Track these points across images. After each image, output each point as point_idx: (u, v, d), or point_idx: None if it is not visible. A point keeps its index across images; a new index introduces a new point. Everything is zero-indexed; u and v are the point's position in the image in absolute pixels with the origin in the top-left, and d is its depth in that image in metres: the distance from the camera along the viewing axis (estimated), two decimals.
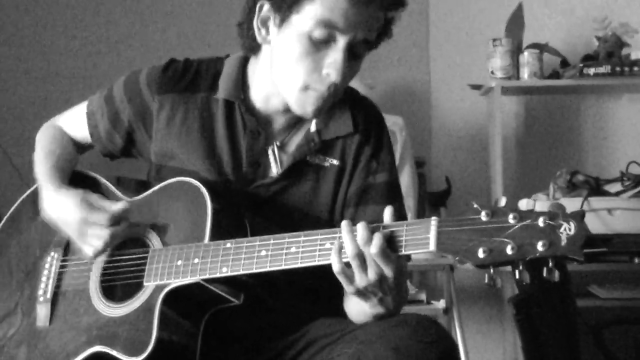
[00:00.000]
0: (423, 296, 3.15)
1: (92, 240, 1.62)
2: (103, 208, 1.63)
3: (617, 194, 3.35)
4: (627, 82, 3.48)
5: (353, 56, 1.56)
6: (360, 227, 1.40)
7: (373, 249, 1.38)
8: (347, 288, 1.44)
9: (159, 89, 1.71)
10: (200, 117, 1.69)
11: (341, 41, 1.52)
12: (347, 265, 1.42)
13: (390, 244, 1.39)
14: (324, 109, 1.61)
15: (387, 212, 1.43)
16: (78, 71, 3.70)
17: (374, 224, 1.41)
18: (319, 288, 1.62)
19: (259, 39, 1.61)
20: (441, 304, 3.11)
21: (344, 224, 1.42)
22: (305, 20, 1.52)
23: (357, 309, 1.54)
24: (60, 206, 1.67)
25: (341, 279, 1.43)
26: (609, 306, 3.28)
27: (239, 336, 1.63)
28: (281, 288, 1.59)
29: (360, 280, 1.42)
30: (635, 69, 3.42)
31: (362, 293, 1.45)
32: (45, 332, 1.67)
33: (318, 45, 1.54)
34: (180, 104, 1.70)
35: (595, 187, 3.33)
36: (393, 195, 1.68)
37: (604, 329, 2.98)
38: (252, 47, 1.65)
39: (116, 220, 1.62)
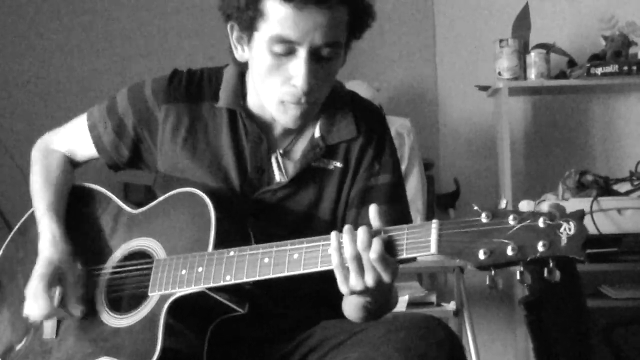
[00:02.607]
0: (433, 298, 3.14)
1: (37, 305, 1.63)
2: (73, 282, 1.65)
3: (627, 193, 3.34)
4: (635, 81, 3.47)
5: (321, 59, 1.57)
6: (361, 231, 1.40)
7: (372, 254, 1.38)
8: (342, 287, 1.44)
9: (165, 99, 1.72)
10: (205, 126, 1.70)
11: (300, 51, 1.54)
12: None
13: (390, 248, 1.39)
14: (308, 115, 1.63)
15: (372, 211, 1.43)
16: (80, 72, 3.71)
17: (375, 229, 1.41)
18: (322, 294, 1.62)
19: (237, 57, 1.65)
20: (451, 305, 3.10)
21: (346, 228, 1.42)
22: (263, 37, 1.56)
23: (350, 300, 1.56)
24: (44, 250, 1.68)
25: (338, 273, 1.43)
26: (620, 306, 3.27)
27: (244, 344, 1.64)
28: (285, 295, 1.60)
29: (356, 284, 1.42)
30: None
31: (355, 294, 1.45)
32: (52, 344, 1.68)
33: (282, 59, 1.56)
34: (186, 114, 1.71)
35: (605, 187, 3.32)
36: (395, 196, 1.69)
37: (615, 329, 2.97)
38: (239, 63, 1.68)
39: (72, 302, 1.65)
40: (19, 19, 3.73)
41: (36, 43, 3.73)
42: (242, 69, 1.70)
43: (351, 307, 1.59)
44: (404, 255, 1.38)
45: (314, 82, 1.57)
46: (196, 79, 1.74)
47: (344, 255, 1.41)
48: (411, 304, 3.05)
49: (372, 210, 1.43)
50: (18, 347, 1.71)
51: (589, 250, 3.33)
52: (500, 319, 3.71)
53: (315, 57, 1.55)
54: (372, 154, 1.69)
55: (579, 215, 1.28)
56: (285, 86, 1.57)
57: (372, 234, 1.40)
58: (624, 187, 3.37)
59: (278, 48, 1.54)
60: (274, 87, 1.58)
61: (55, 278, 1.65)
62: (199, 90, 1.72)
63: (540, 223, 1.28)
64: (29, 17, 3.74)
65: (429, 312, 3.12)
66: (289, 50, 1.54)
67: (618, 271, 3.36)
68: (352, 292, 1.44)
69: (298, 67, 1.55)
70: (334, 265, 1.42)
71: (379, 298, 1.51)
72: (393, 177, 1.70)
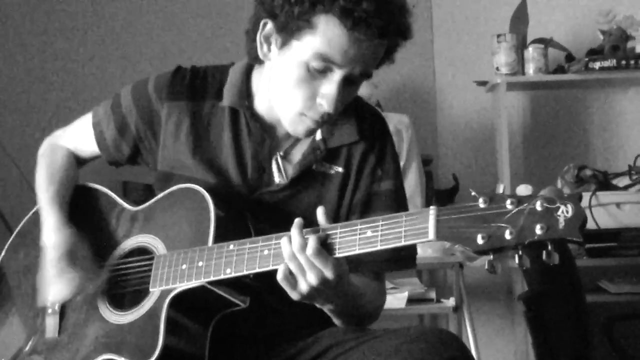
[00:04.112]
0: (433, 294, 3.14)
1: (53, 290, 1.64)
2: (84, 265, 1.65)
3: (626, 187, 3.34)
4: (633, 76, 3.47)
5: (350, 85, 1.57)
6: (294, 232, 1.44)
7: (309, 251, 1.41)
8: (292, 294, 1.47)
9: (167, 95, 1.71)
10: (207, 125, 1.70)
11: (337, 74, 1.53)
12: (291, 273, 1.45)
13: (325, 245, 1.43)
14: (316, 130, 1.64)
15: (320, 212, 1.46)
16: (82, 74, 3.71)
17: (312, 228, 1.45)
18: None
19: (260, 54, 1.61)
20: (451, 302, 3.10)
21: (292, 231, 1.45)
22: (304, 49, 1.53)
23: None
24: (50, 241, 1.68)
25: (284, 285, 1.46)
26: (619, 301, 3.27)
27: (247, 341, 1.63)
28: (286, 293, 1.59)
29: (302, 284, 1.44)
30: None
31: (306, 298, 1.47)
32: (55, 343, 1.68)
33: (315, 75, 1.54)
34: (188, 111, 1.70)
35: (604, 182, 3.33)
36: (397, 202, 1.69)
37: (614, 324, 2.97)
38: (256, 57, 1.65)
39: (83, 286, 1.64)
40: (18, 21, 3.73)
41: (36, 44, 3.73)
42: (252, 64, 1.68)
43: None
44: (403, 242, 1.38)
45: (340, 106, 1.57)
46: (200, 77, 1.72)
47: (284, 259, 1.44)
48: (411, 300, 3.04)
49: (319, 212, 1.46)
50: (25, 350, 1.71)
51: (588, 245, 3.35)
52: (500, 315, 3.71)
53: (346, 81, 1.55)
54: (374, 160, 1.69)
55: (576, 198, 1.28)
56: (310, 101, 1.56)
57: (308, 232, 1.43)
58: (622, 181, 3.37)
59: (316, 64, 1.52)
60: (297, 100, 1.56)
61: (71, 258, 1.64)
62: (203, 88, 1.71)
63: (538, 206, 1.28)
64: (29, 19, 3.74)
65: (429, 309, 3.16)
66: (325, 69, 1.53)
67: (617, 266, 3.35)
68: (302, 296, 1.46)
69: (330, 89, 1.54)
70: (279, 279, 1.46)
71: (339, 301, 1.51)
72: (395, 183, 1.70)
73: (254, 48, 1.62)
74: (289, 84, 1.56)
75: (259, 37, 1.59)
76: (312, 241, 1.42)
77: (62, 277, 1.63)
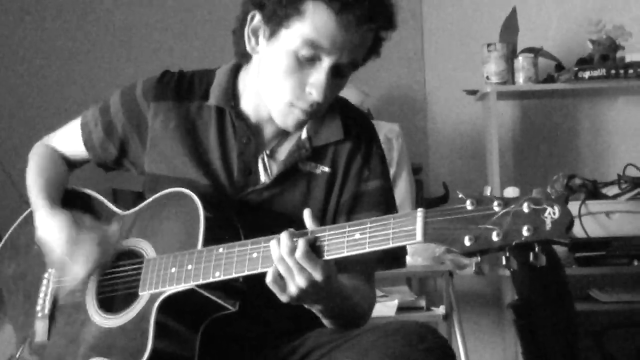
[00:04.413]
0: (423, 302, 3.14)
1: (82, 259, 1.62)
2: (92, 228, 1.65)
3: (615, 197, 3.35)
4: (623, 85, 3.48)
5: (338, 74, 1.58)
6: (284, 235, 1.44)
7: (297, 253, 1.41)
8: (281, 297, 1.47)
9: (154, 97, 1.72)
10: (193, 125, 1.70)
11: (326, 62, 1.55)
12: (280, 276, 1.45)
13: (314, 248, 1.43)
14: (306, 123, 1.64)
15: (307, 214, 1.46)
16: (73, 80, 3.70)
17: (300, 231, 1.45)
18: None
19: (248, 48, 1.62)
20: (441, 310, 3.11)
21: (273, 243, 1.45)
22: (293, 37, 1.54)
23: None
24: (51, 227, 1.67)
25: (274, 288, 1.46)
26: (610, 310, 3.27)
27: (236, 345, 1.63)
28: (275, 295, 1.59)
29: (291, 287, 1.45)
30: (630, 71, 3.42)
31: (295, 300, 1.47)
32: (44, 347, 1.67)
33: (303, 63, 1.56)
34: (174, 112, 1.71)
35: (593, 191, 3.33)
36: (385, 201, 1.69)
37: (604, 333, 2.97)
38: (244, 55, 1.66)
39: (105, 239, 1.63)
40: (15, 34, 3.72)
41: (27, 51, 3.73)
42: (243, 61, 1.69)
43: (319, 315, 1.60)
44: (391, 244, 1.38)
45: (328, 94, 1.57)
46: (187, 79, 1.74)
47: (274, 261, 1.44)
48: (401, 308, 3.04)
49: (306, 214, 1.46)
50: (16, 357, 1.70)
51: (577, 254, 3.35)
52: (490, 323, 3.71)
53: (335, 71, 1.56)
54: (361, 160, 1.69)
55: (562, 199, 1.28)
56: (299, 90, 1.57)
57: (297, 235, 1.43)
58: (612, 190, 3.38)
59: (305, 52, 1.54)
60: (286, 89, 1.57)
61: (78, 233, 1.64)
62: (189, 90, 1.72)
63: (525, 208, 1.28)
64: (23, 26, 3.73)
65: (419, 317, 3.15)
66: (314, 56, 1.54)
67: (607, 275, 3.36)
68: (291, 299, 1.46)
69: (319, 77, 1.55)
70: (268, 282, 1.46)
71: (328, 303, 1.52)
72: (382, 182, 1.70)
73: (241, 44, 1.63)
74: (278, 74, 1.57)
75: (247, 31, 1.61)
76: (301, 244, 1.42)
77: (79, 252, 1.62)
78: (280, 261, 1.44)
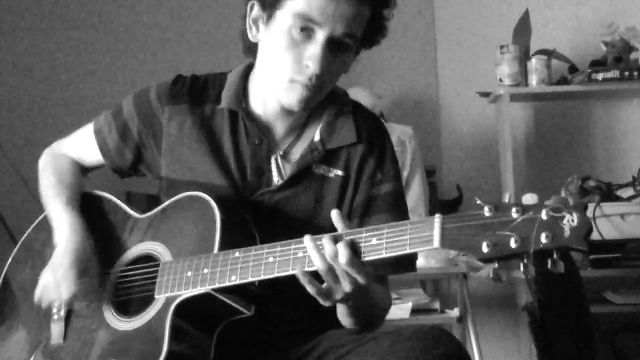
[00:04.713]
0: (437, 305, 3.14)
1: (69, 288, 1.64)
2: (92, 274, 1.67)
3: (630, 198, 3.34)
4: (636, 87, 3.48)
5: (337, 50, 1.60)
6: (325, 242, 1.42)
7: (342, 259, 1.40)
8: (325, 303, 1.47)
9: (168, 100, 1.73)
10: (207, 128, 1.71)
11: (319, 34, 1.58)
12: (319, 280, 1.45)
13: (355, 250, 1.42)
14: (310, 102, 1.64)
15: (335, 215, 1.46)
16: (82, 82, 3.71)
17: (336, 234, 1.44)
18: None
19: (250, 37, 1.67)
20: (455, 312, 3.10)
21: (307, 239, 1.44)
22: (286, 16, 1.59)
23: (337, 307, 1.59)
24: (67, 242, 1.69)
25: (319, 297, 1.46)
26: (623, 312, 3.26)
27: (251, 350, 1.63)
28: (292, 299, 1.60)
29: (337, 294, 1.45)
30: None
31: (338, 302, 1.49)
32: (60, 349, 1.68)
33: (300, 40, 1.59)
34: (189, 115, 1.72)
35: (607, 193, 3.33)
36: (397, 205, 1.70)
37: (618, 335, 2.96)
38: (249, 49, 1.70)
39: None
40: (22, 32, 3.74)
41: (37, 54, 3.74)
42: (249, 55, 1.72)
43: (340, 314, 1.61)
44: (408, 250, 1.38)
45: (326, 68, 1.59)
46: (200, 83, 1.76)
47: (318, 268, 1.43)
48: (415, 310, 3.04)
49: (335, 215, 1.46)
50: (31, 355, 1.71)
51: (592, 256, 3.35)
52: (504, 325, 3.71)
53: (331, 45, 1.59)
54: (373, 163, 1.70)
55: (582, 207, 1.28)
56: (297, 64, 1.60)
57: (335, 239, 1.43)
58: (626, 192, 3.37)
59: (299, 26, 1.58)
60: (286, 65, 1.60)
61: (84, 267, 1.66)
62: (202, 93, 1.74)
63: (543, 215, 1.28)
64: (30, 30, 3.75)
65: (433, 319, 3.15)
66: (308, 30, 1.58)
67: (621, 277, 3.35)
68: (335, 302, 1.47)
69: (314, 49, 1.58)
70: (313, 293, 1.45)
71: (358, 299, 1.51)
72: (395, 186, 1.71)
73: (246, 38, 1.68)
74: (278, 54, 1.61)
75: (248, 22, 1.67)
76: (343, 249, 1.41)
77: (72, 280, 1.64)
78: (328, 272, 1.43)
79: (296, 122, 1.70)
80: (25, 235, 1.84)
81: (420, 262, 2.85)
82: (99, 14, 3.79)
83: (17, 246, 1.85)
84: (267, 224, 1.61)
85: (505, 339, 3.71)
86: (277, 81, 1.63)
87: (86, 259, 1.67)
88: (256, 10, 1.65)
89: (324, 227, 1.63)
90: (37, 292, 1.69)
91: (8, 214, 3.12)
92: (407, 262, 1.70)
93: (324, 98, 1.69)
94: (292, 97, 1.62)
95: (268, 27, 1.63)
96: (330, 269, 1.42)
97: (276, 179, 1.68)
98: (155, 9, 3.81)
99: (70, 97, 3.69)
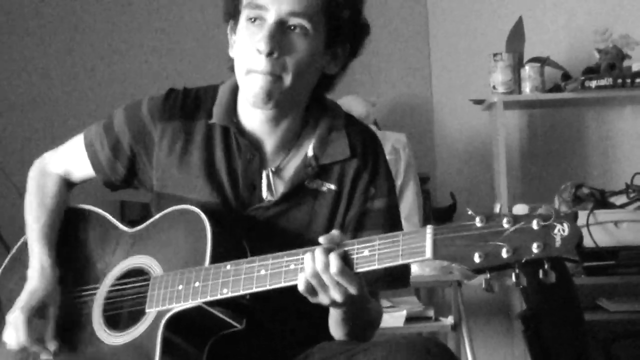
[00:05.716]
0: (431, 313, 3.13)
1: (20, 335, 1.65)
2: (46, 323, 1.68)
3: (623, 206, 3.35)
4: (630, 94, 3.48)
5: (288, 28, 1.60)
6: (317, 252, 1.44)
7: (333, 269, 1.41)
8: (312, 300, 1.48)
9: (161, 117, 1.73)
10: (199, 143, 1.71)
11: (268, 17, 1.59)
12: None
13: (347, 262, 1.43)
14: (273, 94, 1.60)
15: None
16: (77, 92, 3.71)
17: (328, 245, 1.45)
18: (321, 312, 1.61)
19: (230, 54, 1.69)
20: (449, 320, 3.09)
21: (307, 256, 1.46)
22: (243, 13, 1.62)
23: (331, 314, 1.59)
24: (33, 283, 1.70)
25: (308, 297, 1.47)
26: (619, 319, 3.26)
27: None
28: (283, 312, 1.59)
29: (323, 299, 1.46)
30: (638, 80, 3.41)
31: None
32: None
33: (253, 31, 1.60)
34: (182, 131, 1.71)
35: (601, 200, 3.33)
36: (391, 220, 1.69)
37: (613, 343, 2.96)
38: (232, 66, 1.70)
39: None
40: (17, 43, 3.74)
41: (32, 63, 3.74)
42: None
43: (332, 322, 1.60)
44: (400, 261, 1.39)
45: (276, 47, 1.58)
46: (192, 97, 1.74)
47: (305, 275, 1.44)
48: (409, 318, 3.03)
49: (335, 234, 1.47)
50: None
51: (586, 264, 3.34)
52: (499, 333, 3.71)
53: (281, 26, 1.59)
54: (367, 178, 1.69)
55: (572, 217, 1.29)
56: (251, 54, 1.60)
57: (328, 250, 1.43)
58: (620, 199, 3.38)
59: (250, 14, 1.60)
60: (244, 58, 1.62)
61: (38, 311, 1.67)
62: (195, 108, 1.73)
63: (534, 225, 1.30)
64: (23, 35, 3.75)
65: (427, 327, 3.15)
66: (260, 20, 1.59)
67: (616, 284, 3.35)
68: (325, 304, 1.48)
69: (262, 32, 1.59)
70: (301, 291, 1.46)
71: (351, 307, 1.52)
72: (389, 201, 1.70)
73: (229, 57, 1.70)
74: (240, 51, 1.63)
75: (230, 42, 1.69)
76: (335, 260, 1.43)
77: (17, 329, 1.65)
78: (314, 277, 1.44)
79: (287, 136, 1.69)
80: (15, 248, 1.84)
81: (414, 270, 2.85)
82: (94, 18, 3.78)
83: (7, 258, 1.84)
84: (259, 239, 1.60)
85: (500, 347, 3.71)
86: (239, 77, 1.64)
87: (45, 300, 1.68)
88: (230, 26, 1.68)
89: (316, 241, 1.63)
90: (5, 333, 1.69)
91: (1, 221, 3.12)
92: (400, 276, 1.70)
93: (316, 111, 1.68)
94: (252, 89, 1.61)
95: (237, 32, 1.65)
96: (316, 276, 1.43)
97: (265, 195, 1.67)
98: (151, 13, 3.81)
99: (64, 104, 3.69)
